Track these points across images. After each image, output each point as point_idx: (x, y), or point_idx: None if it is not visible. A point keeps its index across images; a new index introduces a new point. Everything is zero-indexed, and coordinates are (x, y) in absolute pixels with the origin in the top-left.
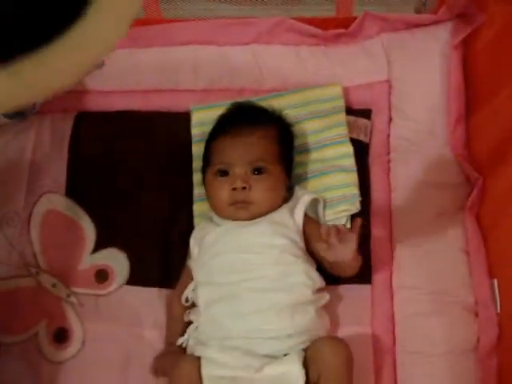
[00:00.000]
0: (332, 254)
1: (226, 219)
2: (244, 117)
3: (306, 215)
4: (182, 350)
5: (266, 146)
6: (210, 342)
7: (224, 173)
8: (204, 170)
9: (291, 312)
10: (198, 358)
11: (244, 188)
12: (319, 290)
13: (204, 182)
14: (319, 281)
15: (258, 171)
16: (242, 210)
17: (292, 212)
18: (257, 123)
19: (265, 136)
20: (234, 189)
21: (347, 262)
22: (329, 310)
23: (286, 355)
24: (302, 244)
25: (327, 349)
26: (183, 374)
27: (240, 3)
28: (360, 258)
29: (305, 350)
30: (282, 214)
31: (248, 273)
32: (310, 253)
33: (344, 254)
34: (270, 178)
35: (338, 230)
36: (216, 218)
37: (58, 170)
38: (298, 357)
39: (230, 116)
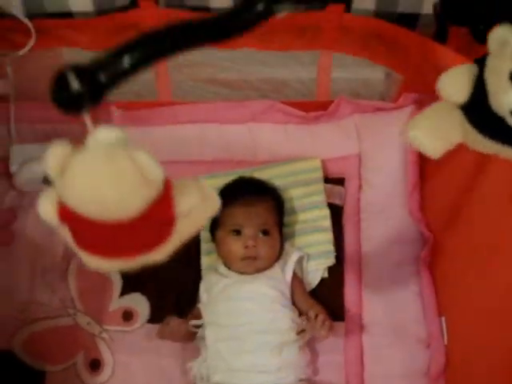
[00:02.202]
0: (314, 333)
1: (232, 271)
2: (250, 189)
3: (293, 273)
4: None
5: (268, 213)
6: (215, 378)
7: (237, 232)
8: (212, 230)
9: (279, 350)
10: None
11: (254, 246)
12: (301, 332)
13: (214, 238)
14: (302, 325)
15: (264, 233)
16: (250, 266)
17: (283, 269)
18: (260, 195)
19: (267, 205)
20: (247, 247)
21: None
22: (309, 342)
23: None
24: (289, 295)
25: None
26: None
27: (239, 88)
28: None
29: None
30: (275, 271)
31: (247, 317)
32: (293, 302)
33: (322, 335)
34: (273, 238)
35: (324, 318)
36: (222, 269)
37: None
38: None
39: (238, 188)
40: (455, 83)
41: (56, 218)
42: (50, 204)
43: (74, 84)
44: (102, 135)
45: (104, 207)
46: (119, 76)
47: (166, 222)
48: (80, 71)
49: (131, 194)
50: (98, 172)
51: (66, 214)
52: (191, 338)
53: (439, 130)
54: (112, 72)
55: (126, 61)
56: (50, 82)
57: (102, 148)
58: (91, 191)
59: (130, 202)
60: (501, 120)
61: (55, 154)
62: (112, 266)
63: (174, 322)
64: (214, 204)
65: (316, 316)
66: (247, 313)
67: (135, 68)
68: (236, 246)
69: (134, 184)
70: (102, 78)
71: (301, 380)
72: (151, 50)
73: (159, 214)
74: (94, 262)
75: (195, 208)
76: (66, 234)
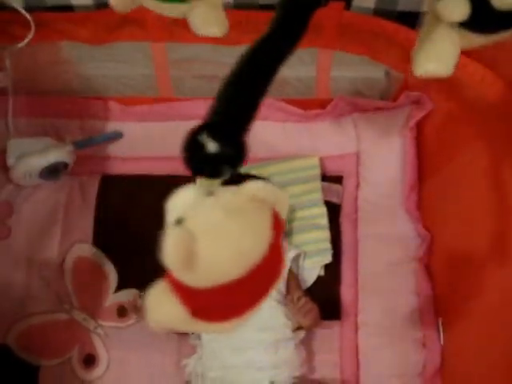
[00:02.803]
0: (298, 319)
1: None
2: None
3: (289, 270)
4: None
5: None
6: (210, 375)
7: None
8: None
9: (275, 347)
10: None
11: None
12: (296, 329)
13: None
14: (296, 322)
15: None
16: None
17: None
18: None
19: None
20: None
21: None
22: (305, 340)
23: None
24: (284, 292)
25: None
26: None
27: None
28: (318, 321)
29: None
30: None
31: None
32: None
33: (305, 321)
34: None
35: (305, 300)
36: None
37: (86, 224)
38: None
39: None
40: (456, 4)
41: (182, 316)
42: (170, 308)
43: (211, 146)
44: (193, 195)
45: (245, 259)
46: (248, 122)
47: (279, 244)
48: (214, 129)
49: (262, 227)
50: (227, 230)
51: (200, 301)
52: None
53: (441, 53)
54: (243, 120)
55: (247, 103)
56: (182, 145)
57: (209, 207)
58: (232, 252)
59: (264, 236)
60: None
61: (178, 244)
62: (244, 319)
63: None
64: (286, 203)
65: (298, 298)
66: None
67: (256, 107)
68: None
69: (258, 216)
70: (237, 131)
71: (295, 377)
72: (257, 82)
73: (276, 238)
74: (229, 326)
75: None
76: (192, 327)
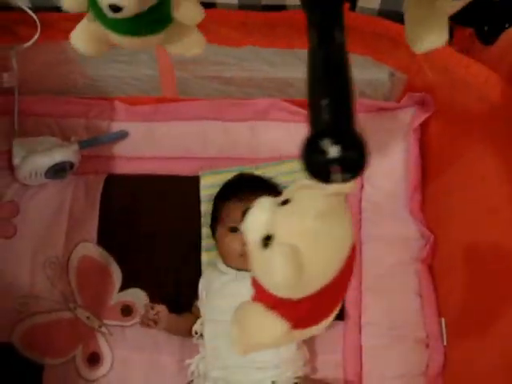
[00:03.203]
0: None
1: (230, 268)
2: (249, 186)
3: None
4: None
5: None
6: (213, 374)
7: (234, 229)
8: (213, 226)
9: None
10: None
11: None
12: None
13: (214, 235)
14: None
15: None
16: (247, 263)
17: None
18: (259, 191)
19: None
20: (245, 244)
21: None
22: (308, 340)
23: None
24: None
25: None
26: None
27: (243, 86)
28: None
29: None
30: None
31: None
32: None
33: None
34: None
35: None
36: (220, 265)
37: (91, 223)
38: None
39: (238, 184)
40: None
41: (284, 332)
42: (271, 326)
43: (333, 151)
44: (267, 209)
45: (340, 252)
46: (355, 123)
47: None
48: (334, 134)
49: (345, 218)
50: (319, 230)
51: (301, 311)
52: (183, 332)
53: (435, 25)
54: (352, 123)
55: (347, 105)
56: (302, 148)
57: (292, 215)
58: (330, 249)
59: (349, 226)
60: None
61: (288, 262)
62: (330, 320)
63: (163, 313)
64: None
65: None
66: None
67: (354, 107)
68: (234, 243)
69: (339, 209)
70: (353, 133)
71: (298, 377)
72: (346, 84)
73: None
74: (316, 329)
75: None
76: (288, 339)
